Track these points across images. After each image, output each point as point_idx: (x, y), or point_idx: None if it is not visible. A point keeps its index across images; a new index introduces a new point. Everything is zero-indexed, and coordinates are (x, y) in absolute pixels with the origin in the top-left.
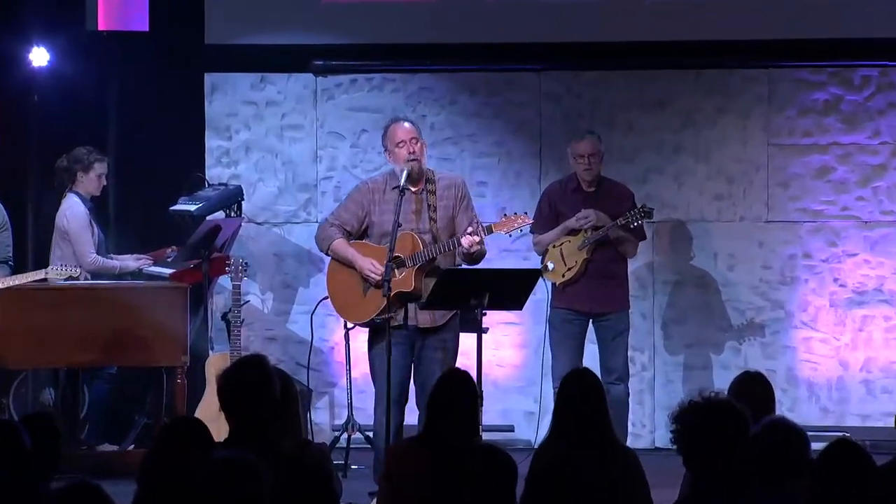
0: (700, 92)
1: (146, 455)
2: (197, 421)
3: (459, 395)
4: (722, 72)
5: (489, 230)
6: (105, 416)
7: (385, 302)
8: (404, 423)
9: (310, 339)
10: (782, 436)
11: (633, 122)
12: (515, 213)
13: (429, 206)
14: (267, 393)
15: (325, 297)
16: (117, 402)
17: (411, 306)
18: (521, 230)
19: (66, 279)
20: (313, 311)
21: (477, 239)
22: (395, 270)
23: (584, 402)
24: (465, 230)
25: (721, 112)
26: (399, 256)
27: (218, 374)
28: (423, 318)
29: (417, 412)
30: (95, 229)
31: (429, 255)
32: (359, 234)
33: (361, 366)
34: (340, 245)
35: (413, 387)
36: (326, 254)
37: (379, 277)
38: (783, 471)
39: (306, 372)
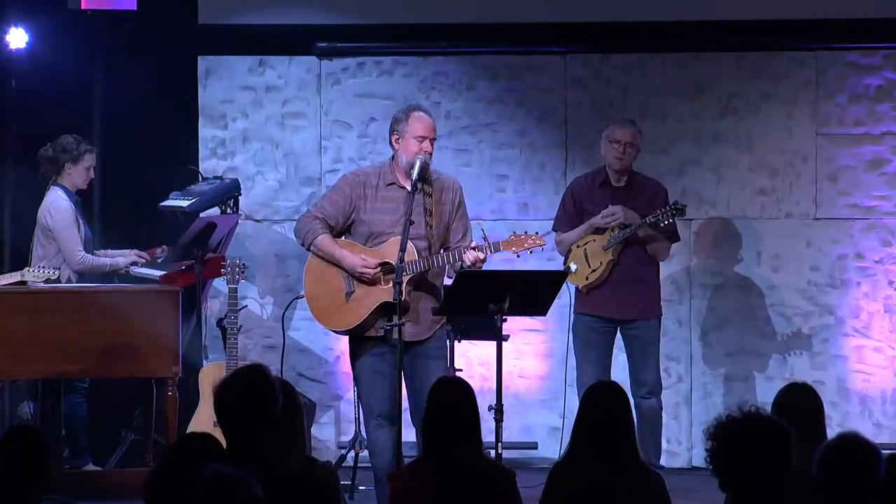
0: (742, 76)
1: (153, 472)
2: (210, 437)
3: (459, 402)
4: (766, 54)
5: (496, 248)
6: (84, 432)
7: (371, 308)
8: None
9: (282, 343)
10: (848, 454)
11: (667, 110)
12: (526, 233)
13: (425, 209)
14: (268, 406)
15: (300, 296)
16: (101, 417)
17: (395, 319)
18: (530, 251)
19: (44, 281)
20: (284, 312)
21: (482, 256)
22: (383, 278)
23: (609, 419)
24: (469, 244)
25: (765, 98)
26: (389, 263)
27: (213, 385)
28: (411, 331)
29: (414, 429)
30: (82, 226)
31: (424, 266)
32: (341, 232)
33: None
34: (326, 241)
35: (407, 402)
36: (308, 249)
37: (373, 271)
38: (849, 492)
39: (311, 383)
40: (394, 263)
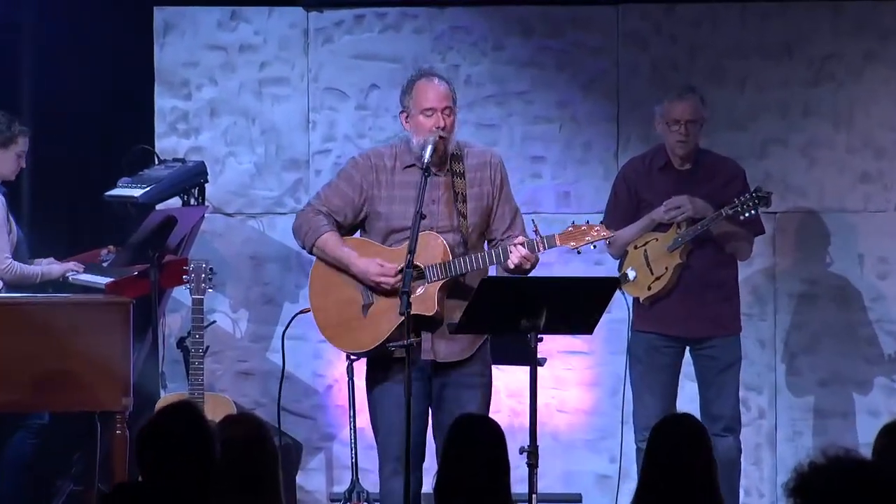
0: (840, 32)
1: None
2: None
3: (482, 446)
4: (871, 3)
5: (550, 243)
6: (23, 481)
7: (396, 323)
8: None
9: (282, 369)
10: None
11: (746, 75)
12: (588, 222)
13: (456, 194)
14: (198, 453)
15: (305, 311)
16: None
17: (426, 335)
18: (594, 246)
19: None
20: (286, 329)
21: (532, 257)
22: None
23: (685, 461)
24: (515, 239)
25: (869, 60)
26: (418, 266)
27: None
28: (445, 350)
29: None
30: (14, 225)
31: (460, 267)
32: (352, 229)
33: None
34: (331, 241)
35: (433, 441)
36: (310, 252)
37: (393, 280)
38: None
39: (296, 419)
40: (423, 267)
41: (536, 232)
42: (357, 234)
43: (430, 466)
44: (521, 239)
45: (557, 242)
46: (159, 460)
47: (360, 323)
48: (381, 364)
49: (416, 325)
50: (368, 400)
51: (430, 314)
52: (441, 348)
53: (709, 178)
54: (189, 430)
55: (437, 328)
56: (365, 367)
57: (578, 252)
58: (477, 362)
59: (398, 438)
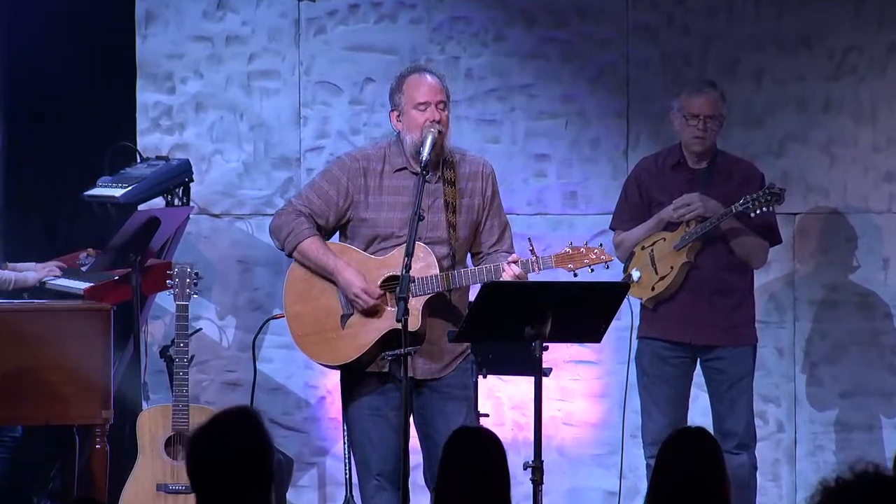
0: (862, 24)
1: None
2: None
3: (482, 461)
4: None
5: (545, 264)
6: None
7: (378, 336)
8: None
9: (253, 377)
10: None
11: (763, 69)
12: (587, 244)
13: (446, 202)
14: (262, 466)
15: (278, 316)
16: (7, 477)
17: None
18: (591, 269)
19: None
20: (255, 337)
21: (524, 279)
22: (390, 298)
23: (695, 478)
24: (509, 257)
25: (892, 53)
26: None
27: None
28: (423, 367)
29: (427, 492)
30: None
31: (449, 282)
32: (332, 233)
33: None
34: (314, 246)
35: (420, 459)
36: (289, 255)
37: (373, 301)
38: None
39: (287, 433)
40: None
41: (532, 251)
42: (336, 237)
43: (416, 480)
44: (514, 257)
45: (553, 264)
46: (216, 473)
47: (337, 334)
48: (355, 378)
49: (398, 339)
50: (344, 415)
51: (413, 330)
52: (419, 365)
53: (724, 179)
54: (249, 442)
55: (418, 344)
56: None
57: (575, 275)
58: (457, 377)
59: (378, 454)
